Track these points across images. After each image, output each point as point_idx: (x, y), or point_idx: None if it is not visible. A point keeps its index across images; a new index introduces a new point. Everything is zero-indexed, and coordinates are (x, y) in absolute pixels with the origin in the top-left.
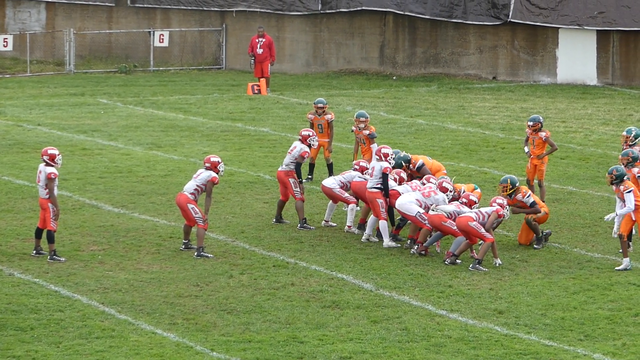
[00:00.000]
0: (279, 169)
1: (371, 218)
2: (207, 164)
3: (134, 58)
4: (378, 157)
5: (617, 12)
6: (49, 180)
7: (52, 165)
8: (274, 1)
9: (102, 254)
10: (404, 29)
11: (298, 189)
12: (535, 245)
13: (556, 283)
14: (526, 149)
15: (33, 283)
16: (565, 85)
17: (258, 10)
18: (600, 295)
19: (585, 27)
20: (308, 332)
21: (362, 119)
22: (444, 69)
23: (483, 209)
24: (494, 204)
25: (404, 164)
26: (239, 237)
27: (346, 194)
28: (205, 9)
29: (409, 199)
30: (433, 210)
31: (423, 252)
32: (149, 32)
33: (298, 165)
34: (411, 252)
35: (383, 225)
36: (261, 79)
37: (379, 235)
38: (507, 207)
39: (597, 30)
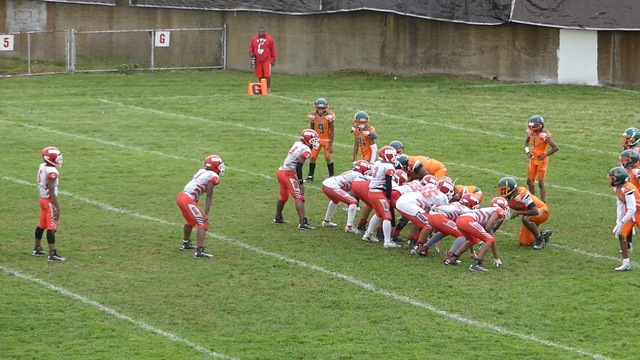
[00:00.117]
0: (280, 168)
1: (374, 217)
2: (207, 164)
3: (135, 58)
4: (382, 159)
5: (618, 12)
6: (50, 180)
7: (53, 165)
8: (275, 1)
9: (103, 254)
10: (405, 29)
11: (298, 189)
12: (535, 246)
13: (556, 283)
14: (527, 150)
15: (33, 283)
16: (566, 85)
17: (259, 10)
18: (601, 296)
19: (586, 28)
20: (308, 332)
21: (362, 119)
22: (444, 69)
23: (484, 209)
24: (494, 205)
25: (401, 165)
26: (239, 237)
27: (347, 194)
28: (206, 9)
29: (410, 199)
30: (433, 211)
31: (423, 253)
32: (150, 32)
33: (299, 165)
34: (411, 252)
35: (387, 225)
36: (262, 79)
37: (379, 235)
38: (508, 207)
39: (598, 30)
